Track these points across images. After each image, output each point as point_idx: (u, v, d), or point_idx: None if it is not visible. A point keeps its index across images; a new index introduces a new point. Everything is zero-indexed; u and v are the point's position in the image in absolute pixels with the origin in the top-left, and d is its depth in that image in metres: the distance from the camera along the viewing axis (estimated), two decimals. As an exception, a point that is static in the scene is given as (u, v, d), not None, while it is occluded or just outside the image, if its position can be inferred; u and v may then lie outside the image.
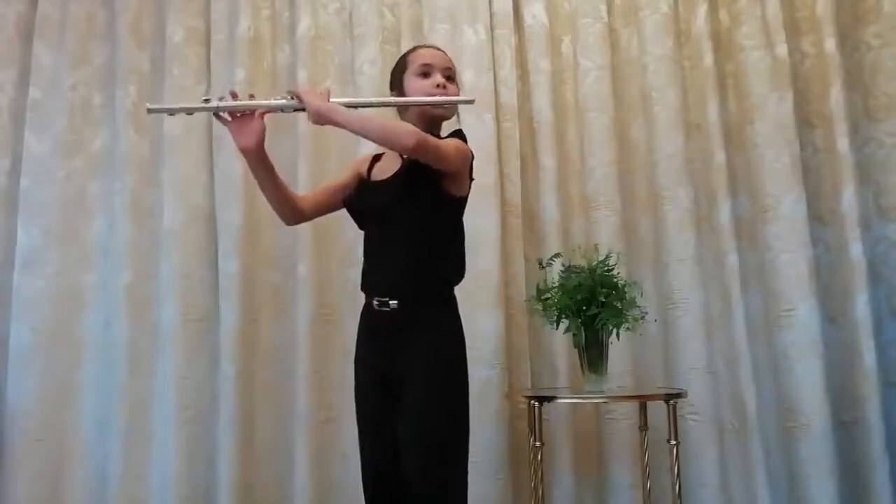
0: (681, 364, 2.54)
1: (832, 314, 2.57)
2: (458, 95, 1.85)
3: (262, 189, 1.84)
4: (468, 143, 1.80)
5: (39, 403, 2.54)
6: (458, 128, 1.86)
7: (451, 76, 1.84)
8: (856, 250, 2.51)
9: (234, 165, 2.53)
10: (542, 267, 2.31)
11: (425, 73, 1.82)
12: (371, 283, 1.82)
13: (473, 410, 2.39)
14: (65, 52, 2.72)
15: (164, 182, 2.61)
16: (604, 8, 2.70)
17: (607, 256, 2.22)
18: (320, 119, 1.68)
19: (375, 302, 1.77)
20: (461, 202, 1.81)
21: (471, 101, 1.87)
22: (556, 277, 2.24)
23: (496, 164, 2.57)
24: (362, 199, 1.85)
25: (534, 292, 2.29)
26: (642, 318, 2.19)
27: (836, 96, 2.59)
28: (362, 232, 1.89)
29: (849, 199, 2.54)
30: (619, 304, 2.15)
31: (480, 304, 2.48)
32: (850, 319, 2.52)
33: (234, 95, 1.74)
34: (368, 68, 2.63)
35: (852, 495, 2.46)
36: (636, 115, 2.70)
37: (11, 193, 2.66)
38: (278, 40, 2.73)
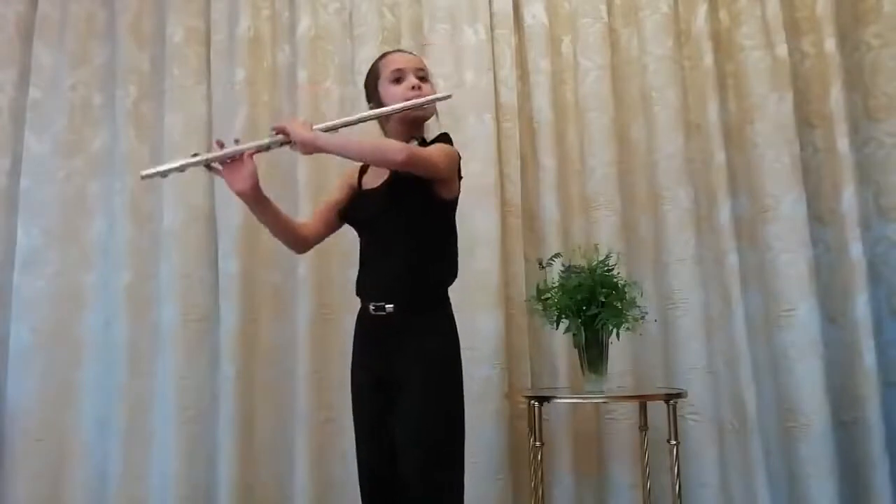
0: (681, 364, 2.54)
1: (832, 314, 2.57)
2: (433, 94, 1.86)
3: (265, 225, 1.86)
4: (455, 144, 1.82)
5: (39, 403, 2.55)
6: (442, 131, 1.88)
7: (423, 76, 1.87)
8: (856, 250, 2.52)
9: (234, 165, 2.53)
10: (542, 267, 2.31)
11: (398, 79, 1.84)
12: (366, 288, 1.83)
13: (474, 410, 2.41)
14: (65, 52, 2.72)
15: (164, 182, 2.61)
16: (604, 8, 2.71)
17: (607, 256, 2.22)
18: (308, 149, 1.71)
19: (371, 306, 1.78)
20: (452, 204, 1.83)
21: (448, 97, 1.89)
22: (556, 277, 2.24)
23: (496, 164, 2.57)
24: (355, 209, 1.88)
25: (534, 292, 2.29)
26: (642, 318, 2.19)
27: (836, 96, 2.59)
28: None
29: (849, 199, 2.54)
30: (619, 304, 2.15)
31: (480, 304, 2.49)
32: (850, 319, 2.52)
33: (221, 144, 1.74)
34: (368, 68, 2.62)
35: (852, 495, 2.46)
36: (636, 115, 2.70)
37: (11, 193, 2.66)
38: (278, 40, 2.73)
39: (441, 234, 1.82)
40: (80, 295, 2.63)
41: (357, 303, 1.87)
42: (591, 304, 2.13)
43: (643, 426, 2.37)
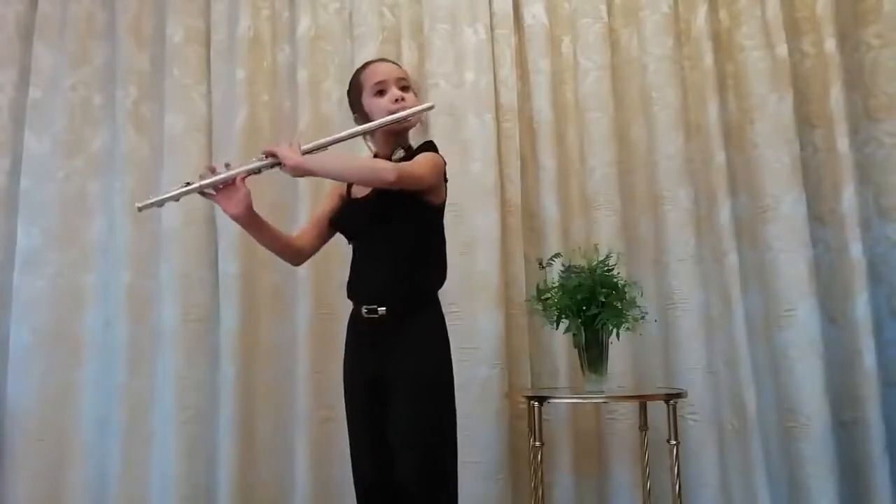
0: (681, 364, 2.54)
1: (832, 314, 2.57)
2: (416, 102, 1.88)
3: (261, 244, 1.90)
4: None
5: (39, 403, 2.55)
6: (427, 139, 1.93)
7: (405, 86, 1.88)
8: (856, 250, 2.52)
9: (234, 165, 2.53)
10: (542, 267, 2.31)
11: (381, 91, 1.86)
12: (358, 292, 1.87)
13: (474, 410, 2.43)
14: (65, 52, 2.72)
15: (163, 182, 2.61)
16: (604, 8, 2.71)
17: (607, 256, 2.22)
18: (298, 172, 1.74)
19: (364, 309, 1.82)
20: (439, 209, 1.87)
21: (430, 108, 1.91)
22: (556, 277, 2.24)
23: (496, 164, 2.57)
24: (344, 217, 1.91)
25: (534, 292, 2.29)
26: (642, 318, 2.18)
27: (836, 96, 2.59)
28: None
29: (849, 199, 2.54)
30: (619, 304, 2.15)
31: (480, 305, 2.49)
32: (850, 319, 2.52)
33: (212, 170, 1.78)
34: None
35: (852, 495, 2.46)
36: (636, 115, 2.70)
37: (11, 193, 2.67)
38: (278, 40, 2.73)
39: (429, 240, 1.87)
40: (80, 295, 2.63)
41: (354, 304, 1.89)
42: (591, 304, 2.13)
43: (643, 426, 2.37)
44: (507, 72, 2.65)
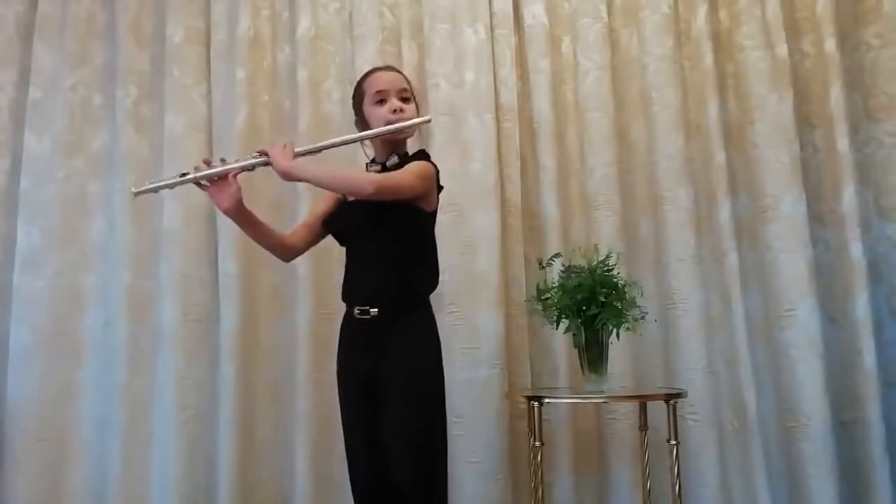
0: (681, 364, 2.54)
1: (832, 314, 2.57)
2: (416, 112, 1.94)
3: (252, 238, 1.98)
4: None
5: (39, 403, 2.54)
6: (421, 148, 1.98)
7: (406, 97, 1.92)
8: (856, 250, 2.52)
9: (234, 165, 2.53)
10: (542, 267, 2.31)
11: (381, 100, 1.90)
12: (351, 293, 1.92)
13: (474, 410, 2.42)
14: (65, 52, 2.72)
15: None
16: (604, 8, 2.71)
17: (607, 256, 2.22)
18: (287, 177, 1.81)
19: (356, 310, 1.87)
20: (431, 216, 1.91)
21: (427, 121, 1.95)
22: (556, 277, 2.24)
23: (496, 164, 2.57)
24: (338, 220, 1.95)
25: (534, 292, 2.29)
26: (642, 318, 2.18)
27: (836, 96, 2.59)
28: None
29: (849, 199, 2.55)
30: (619, 304, 2.15)
31: (480, 305, 2.49)
32: (850, 319, 2.52)
33: (207, 163, 1.87)
34: (368, 68, 2.62)
35: (852, 495, 2.46)
36: (636, 115, 2.70)
37: (11, 193, 2.66)
38: (278, 40, 2.73)
39: (420, 245, 1.90)
40: (80, 295, 2.63)
41: (351, 305, 1.91)
42: (591, 304, 2.13)
43: (643, 426, 2.37)
44: (507, 72, 2.65)
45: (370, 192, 1.74)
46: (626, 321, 2.14)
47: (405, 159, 1.90)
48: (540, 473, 2.15)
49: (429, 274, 1.92)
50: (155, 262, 2.61)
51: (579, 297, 2.14)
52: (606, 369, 2.18)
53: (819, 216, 2.62)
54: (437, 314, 1.93)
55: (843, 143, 2.56)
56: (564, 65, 2.72)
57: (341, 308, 1.95)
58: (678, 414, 2.18)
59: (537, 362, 2.57)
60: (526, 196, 2.63)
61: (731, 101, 2.69)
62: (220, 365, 2.51)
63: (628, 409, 2.49)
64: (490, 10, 2.69)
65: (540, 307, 2.24)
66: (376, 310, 1.83)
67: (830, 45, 2.61)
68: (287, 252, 2.02)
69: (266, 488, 2.52)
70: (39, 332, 2.58)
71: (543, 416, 2.18)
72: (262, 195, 2.49)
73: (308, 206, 2.50)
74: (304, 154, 1.87)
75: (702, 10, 2.67)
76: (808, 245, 2.52)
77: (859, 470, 2.47)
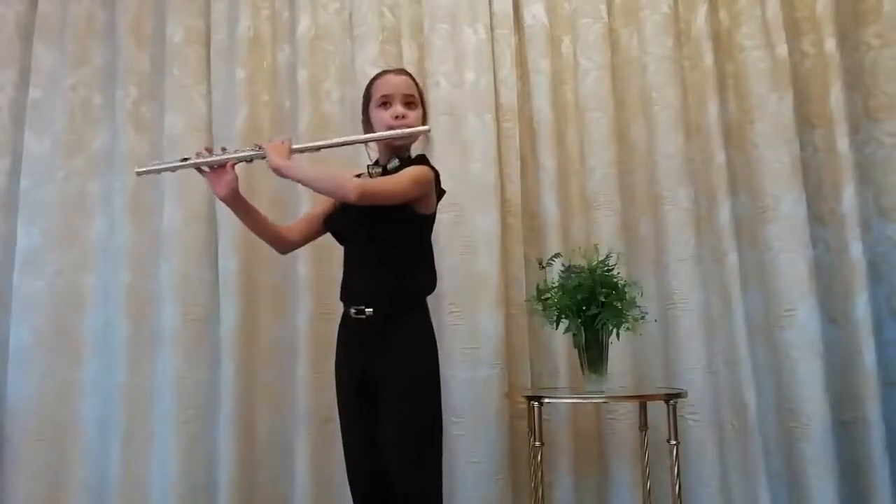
0: (681, 364, 2.54)
1: (832, 314, 2.57)
2: (423, 118, 1.96)
3: (249, 228, 2.00)
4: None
5: (39, 403, 2.54)
6: (420, 153, 1.98)
7: (411, 102, 1.93)
8: (856, 250, 2.52)
9: (234, 165, 2.53)
10: (542, 267, 2.31)
11: (385, 103, 1.92)
12: (348, 293, 1.94)
13: (474, 410, 2.42)
14: (65, 52, 2.72)
15: (164, 182, 2.61)
16: (604, 8, 2.71)
17: (607, 256, 2.22)
18: (278, 174, 1.83)
19: (353, 310, 1.88)
20: (429, 220, 1.92)
21: (427, 131, 1.95)
22: (556, 277, 2.24)
23: (496, 164, 2.57)
24: (337, 219, 1.96)
25: (534, 292, 2.29)
26: (642, 318, 2.18)
27: (836, 96, 2.58)
28: None
29: (849, 199, 2.54)
30: (619, 304, 2.14)
31: (481, 305, 2.49)
32: (850, 319, 2.52)
33: (210, 150, 1.93)
34: (368, 68, 2.62)
35: (852, 495, 2.46)
36: (636, 115, 2.70)
37: (11, 193, 2.66)
38: (278, 40, 2.73)
39: (417, 247, 1.91)
40: (80, 295, 2.63)
41: (350, 305, 1.92)
42: (591, 304, 2.13)
43: (643, 426, 2.37)
44: (507, 72, 2.65)
45: (353, 198, 1.76)
46: (626, 321, 2.14)
47: (406, 163, 1.91)
48: (540, 473, 2.15)
49: (425, 276, 1.93)
50: (155, 262, 2.61)
51: (579, 297, 2.14)
52: (606, 369, 2.18)
53: (819, 216, 2.62)
54: (437, 314, 1.94)
55: (843, 143, 2.56)
56: (564, 65, 2.72)
57: (341, 308, 1.95)
58: (678, 414, 2.18)
59: (537, 362, 2.57)
60: (526, 196, 2.63)
61: (731, 101, 2.69)
62: (220, 365, 2.51)
63: (628, 409, 2.49)
64: (490, 10, 2.69)
65: (540, 307, 2.23)
66: (371, 310, 1.85)
67: (830, 45, 2.61)
68: (284, 245, 2.05)
69: (266, 488, 2.52)
70: (39, 332, 2.58)
71: (543, 416, 2.18)
72: (262, 192, 2.49)
73: (308, 203, 2.50)
74: (301, 151, 1.90)
75: (702, 10, 2.66)
76: (808, 245, 2.52)
77: (859, 470, 2.47)
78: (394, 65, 2.59)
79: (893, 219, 2.58)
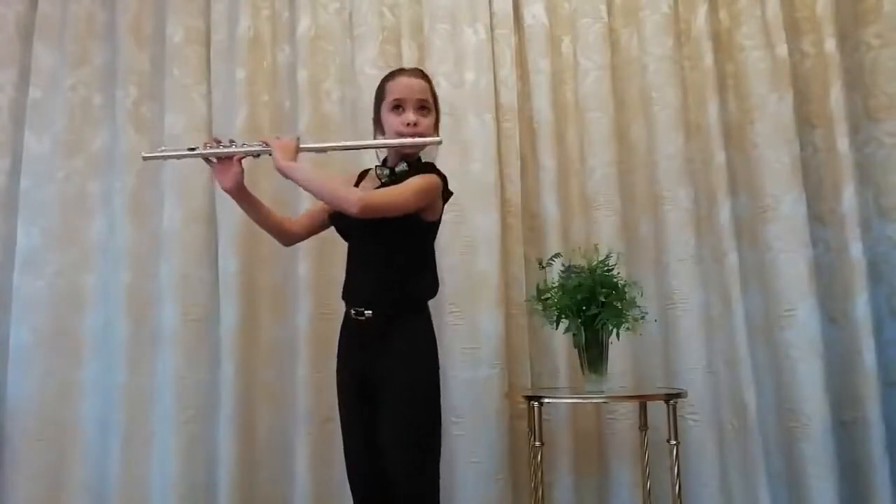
0: (681, 364, 2.54)
1: (832, 314, 2.57)
2: (435, 124, 1.92)
3: (253, 220, 2.00)
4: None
5: (39, 403, 2.54)
6: (426, 161, 1.95)
7: (425, 107, 1.90)
8: (856, 250, 2.52)
9: (234, 165, 2.53)
10: (542, 267, 2.31)
11: (397, 107, 1.89)
12: (349, 293, 1.93)
13: (474, 410, 2.42)
14: (65, 52, 2.72)
15: (164, 182, 2.61)
16: (604, 8, 2.71)
17: (607, 256, 2.22)
18: (283, 174, 1.82)
19: (353, 312, 1.88)
20: (433, 226, 1.91)
21: (438, 142, 1.90)
22: (556, 277, 2.24)
23: (496, 164, 2.57)
24: (341, 216, 1.91)
25: (534, 292, 2.29)
26: (642, 318, 2.18)
27: (836, 96, 2.59)
28: None
29: (849, 199, 2.54)
30: (619, 304, 2.14)
31: (481, 305, 2.49)
32: (850, 319, 2.52)
33: (218, 141, 1.92)
34: (368, 68, 2.64)
35: (852, 495, 2.46)
36: (636, 115, 2.70)
37: (11, 193, 2.66)
38: (278, 40, 2.73)
39: (420, 252, 1.90)
40: (80, 295, 2.63)
41: (352, 304, 1.92)
42: (591, 304, 2.13)
43: (643, 426, 2.37)
44: (507, 72, 2.65)
45: (354, 212, 1.74)
46: (626, 321, 2.14)
47: (414, 167, 1.89)
48: (540, 473, 2.15)
49: (427, 281, 1.92)
50: (155, 262, 2.61)
51: (579, 297, 2.14)
52: (606, 369, 2.18)
53: (819, 216, 2.62)
54: (437, 314, 1.93)
55: (843, 143, 2.56)
56: (564, 65, 2.72)
57: (341, 308, 1.95)
58: (678, 414, 2.18)
59: (537, 362, 2.57)
60: (526, 196, 2.63)
61: (731, 101, 2.69)
62: (220, 365, 2.51)
63: (628, 409, 2.49)
64: (490, 10, 2.69)
65: (540, 307, 2.23)
66: (371, 312, 1.84)
67: (830, 45, 2.61)
68: (287, 237, 2.05)
69: (266, 488, 2.52)
70: (39, 332, 2.58)
71: (543, 416, 2.18)
72: (264, 189, 2.48)
73: (309, 201, 2.49)
74: (308, 151, 1.90)
75: (702, 10, 2.66)
76: (808, 245, 2.52)
77: (859, 470, 2.47)
78: (394, 65, 2.59)
79: (893, 219, 2.58)
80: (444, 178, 1.88)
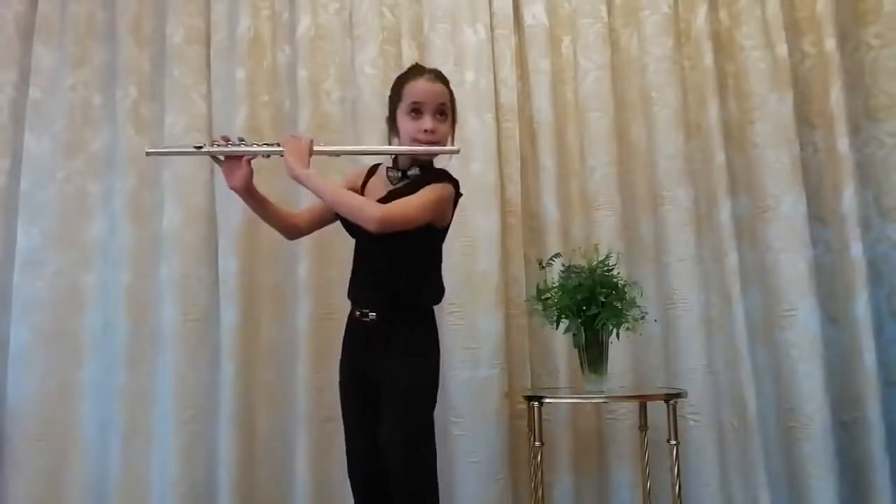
0: (681, 364, 2.54)
1: (832, 314, 2.57)
2: (447, 134, 1.88)
3: (258, 216, 1.97)
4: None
5: (39, 403, 2.54)
6: (442, 168, 1.91)
7: (443, 111, 1.86)
8: (856, 250, 2.52)
9: (234, 165, 2.53)
10: (542, 267, 2.31)
11: (415, 110, 1.84)
12: (355, 293, 1.92)
13: (474, 410, 2.42)
14: (65, 52, 2.71)
15: (164, 182, 2.61)
16: (604, 8, 2.71)
17: (607, 256, 2.22)
18: (296, 180, 1.80)
19: (358, 312, 1.88)
20: (442, 233, 1.90)
21: (455, 152, 1.87)
22: (556, 277, 2.24)
23: (496, 164, 2.57)
24: None
25: (534, 292, 2.29)
26: (642, 318, 2.18)
27: (836, 96, 2.59)
28: None
29: (849, 199, 2.55)
30: (619, 304, 2.14)
31: (480, 305, 2.49)
32: (850, 319, 2.52)
33: (227, 140, 1.88)
34: (368, 68, 2.63)
35: (852, 495, 2.47)
36: (636, 115, 2.70)
37: (11, 194, 2.66)
38: (278, 40, 2.73)
39: (427, 259, 1.89)
40: (80, 295, 2.62)
41: (354, 303, 1.92)
42: (591, 304, 2.13)
43: (643, 426, 2.37)
44: (507, 72, 2.65)
45: (372, 229, 1.72)
46: (626, 321, 2.14)
47: (427, 173, 1.87)
48: (540, 473, 2.15)
49: (432, 287, 1.91)
50: (155, 262, 2.60)
51: (579, 297, 2.14)
52: (606, 369, 2.18)
53: (819, 216, 2.62)
54: (437, 314, 1.92)
55: (843, 143, 2.56)
56: (564, 65, 2.72)
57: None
58: (678, 414, 2.18)
59: (537, 362, 2.57)
60: (526, 196, 2.63)
61: (731, 101, 2.69)
62: (220, 364, 2.51)
63: (628, 409, 2.49)
64: (490, 10, 2.68)
65: (540, 307, 2.24)
66: (375, 315, 1.84)
67: (830, 45, 2.61)
68: (292, 231, 2.03)
69: (266, 488, 2.51)
70: (39, 332, 2.57)
71: (543, 416, 2.18)
72: (265, 188, 2.48)
73: (309, 201, 2.49)
74: (321, 154, 1.87)
75: (702, 10, 2.67)
76: (808, 245, 2.52)
77: (859, 470, 2.47)
78: (394, 65, 2.60)
79: (893, 219, 2.59)
80: (456, 184, 1.87)
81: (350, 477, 1.89)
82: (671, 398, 2.15)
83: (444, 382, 1.98)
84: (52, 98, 2.69)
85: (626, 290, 2.18)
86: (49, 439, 2.53)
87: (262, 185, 1.94)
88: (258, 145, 1.88)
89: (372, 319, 1.84)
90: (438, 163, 1.95)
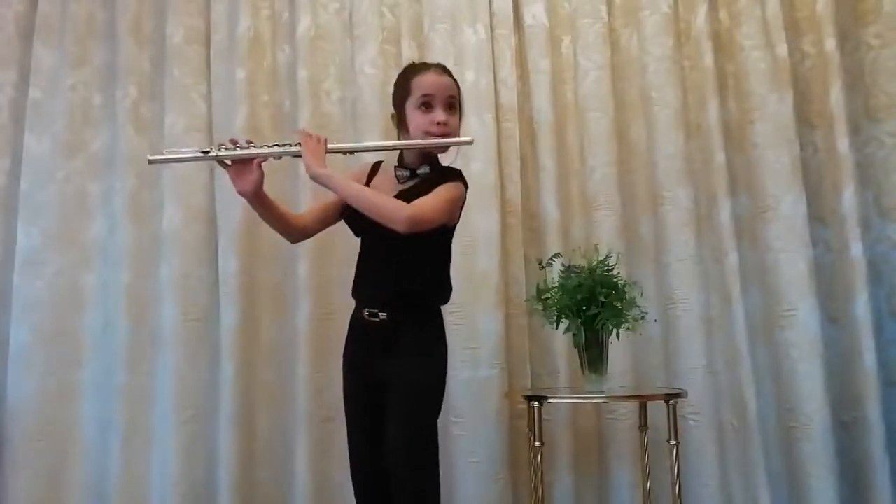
0: (681, 364, 2.54)
1: (832, 314, 2.57)
2: (458, 126, 1.87)
3: (262, 217, 1.91)
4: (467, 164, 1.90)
5: (39, 403, 2.54)
6: (455, 167, 1.90)
7: (453, 104, 1.85)
8: (856, 250, 2.52)
9: (234, 165, 2.53)
10: (542, 267, 2.31)
11: (425, 104, 1.82)
12: (361, 293, 1.89)
13: (474, 410, 2.42)
14: (65, 52, 2.72)
15: (164, 182, 2.61)
16: (604, 8, 2.71)
17: (607, 256, 2.22)
18: (316, 181, 1.76)
19: (366, 312, 1.84)
20: (450, 230, 1.88)
21: (469, 142, 1.84)
22: (556, 277, 2.24)
23: (496, 164, 2.57)
24: (357, 213, 1.83)
25: (534, 292, 2.29)
26: (642, 318, 2.18)
27: (836, 96, 2.59)
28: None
29: (849, 199, 2.55)
30: (619, 304, 2.14)
31: (480, 305, 2.49)
32: (850, 319, 2.52)
33: (235, 142, 1.81)
34: (368, 68, 2.63)
35: (852, 495, 2.47)
36: (636, 115, 2.70)
37: (11, 194, 2.66)
38: (278, 40, 2.73)
39: (436, 257, 1.87)
40: (80, 295, 2.62)
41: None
42: (591, 304, 2.13)
43: (643, 426, 2.36)
44: (507, 72, 2.65)
45: (401, 230, 1.69)
46: (626, 321, 2.14)
47: (436, 171, 1.86)
48: (540, 473, 2.15)
49: (441, 286, 1.90)
50: (155, 262, 2.60)
51: (579, 297, 2.14)
52: (606, 369, 2.18)
53: (819, 216, 2.62)
54: (436, 314, 1.92)
55: (843, 143, 2.56)
56: (564, 65, 2.72)
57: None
58: (678, 414, 2.18)
59: (537, 362, 2.57)
60: (526, 196, 2.63)
61: (731, 101, 2.69)
62: (219, 364, 2.51)
63: (628, 409, 2.49)
64: (490, 10, 2.68)
65: (540, 307, 2.23)
66: (385, 314, 1.81)
67: (830, 45, 2.61)
68: (295, 234, 1.97)
69: (266, 488, 2.52)
70: (39, 332, 2.57)
71: (543, 416, 2.18)
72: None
73: (310, 201, 2.48)
74: (335, 152, 1.84)
75: (702, 10, 2.67)
76: (808, 245, 2.52)
77: (859, 470, 2.47)
78: (393, 65, 2.60)
79: (893, 219, 2.59)
80: (466, 183, 1.86)
81: (353, 477, 1.88)
82: (671, 398, 2.15)
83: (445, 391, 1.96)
84: (52, 98, 2.69)
85: (626, 290, 2.18)
86: (49, 439, 2.53)
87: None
88: (269, 146, 1.82)
89: (382, 320, 1.81)
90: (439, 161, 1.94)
